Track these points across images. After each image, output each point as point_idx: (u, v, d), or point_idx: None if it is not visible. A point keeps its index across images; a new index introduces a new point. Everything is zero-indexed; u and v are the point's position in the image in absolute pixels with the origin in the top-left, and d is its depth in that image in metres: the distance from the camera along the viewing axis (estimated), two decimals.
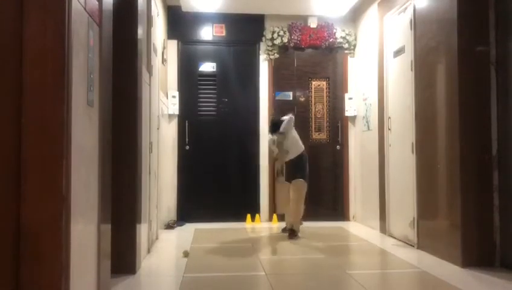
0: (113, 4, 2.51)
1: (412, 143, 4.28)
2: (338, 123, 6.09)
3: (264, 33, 5.94)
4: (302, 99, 6.07)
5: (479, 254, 3.47)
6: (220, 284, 3.14)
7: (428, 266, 3.53)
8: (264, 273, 3.39)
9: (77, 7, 1.80)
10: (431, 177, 3.95)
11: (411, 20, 4.33)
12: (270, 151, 5.42)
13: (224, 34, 5.96)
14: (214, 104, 5.98)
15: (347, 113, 6.02)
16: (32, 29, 1.65)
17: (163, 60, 5.23)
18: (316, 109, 6.10)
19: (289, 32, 5.93)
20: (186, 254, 3.90)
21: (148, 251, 3.97)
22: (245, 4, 5.65)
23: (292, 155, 4.80)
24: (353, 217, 5.99)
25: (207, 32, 5.95)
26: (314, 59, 6.10)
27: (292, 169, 4.80)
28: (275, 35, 5.89)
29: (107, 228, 2.40)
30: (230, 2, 5.54)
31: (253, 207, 5.84)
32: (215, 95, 5.97)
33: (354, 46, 6.05)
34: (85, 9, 1.91)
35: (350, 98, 6.01)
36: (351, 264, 3.89)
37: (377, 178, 5.11)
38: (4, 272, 1.57)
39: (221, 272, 3.44)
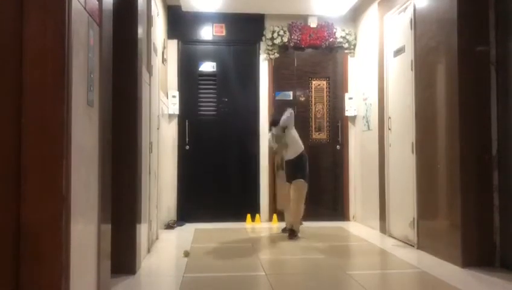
0: (113, 4, 2.51)
1: (412, 143, 4.28)
2: (338, 123, 6.09)
3: (264, 33, 5.94)
4: (302, 99, 6.07)
5: (479, 254, 3.47)
6: (220, 284, 3.15)
7: (428, 266, 3.53)
8: (264, 273, 3.39)
9: (77, 7, 1.79)
10: (431, 177, 3.95)
11: (411, 19, 4.33)
12: (271, 149, 5.43)
13: (224, 33, 5.96)
14: (214, 104, 5.97)
15: (347, 113, 6.02)
16: (32, 29, 1.65)
17: (163, 60, 5.23)
18: (316, 109, 6.10)
19: (289, 31, 5.93)
20: (186, 254, 3.90)
21: (148, 251, 3.97)
22: (245, 4, 5.65)
23: (292, 155, 4.79)
24: (353, 217, 5.99)
25: (207, 32, 5.95)
26: (314, 59, 6.10)
27: (292, 169, 4.80)
28: (275, 34, 5.89)
29: (107, 228, 2.40)
30: (230, 2, 5.54)
31: (253, 207, 5.84)
32: (215, 95, 5.97)
33: (354, 45, 6.05)
34: (85, 9, 1.91)
35: (350, 98, 6.01)
36: (351, 265, 3.89)
37: (377, 178, 5.11)
38: (4, 272, 1.57)
39: (221, 272, 3.44)
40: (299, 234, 4.78)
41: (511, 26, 3.42)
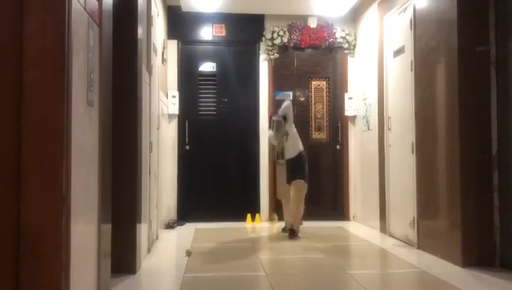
0: (113, 4, 2.51)
1: (412, 143, 4.28)
2: (338, 123, 6.09)
3: (264, 33, 5.94)
4: (302, 99, 6.08)
5: (479, 254, 3.47)
6: (220, 284, 3.15)
7: (428, 266, 3.53)
8: (264, 273, 3.39)
9: (77, 7, 1.80)
10: (431, 177, 3.95)
11: (411, 20, 4.33)
12: (271, 147, 5.43)
13: (224, 34, 5.96)
14: (214, 104, 5.98)
15: (347, 113, 6.02)
16: (32, 29, 1.65)
17: (163, 60, 5.23)
18: (316, 109, 6.10)
19: (289, 32, 5.93)
20: (188, 253, 3.90)
21: (148, 251, 3.97)
22: (245, 4, 5.65)
23: (291, 153, 4.78)
24: (353, 217, 5.99)
25: (207, 32, 5.95)
26: (314, 59, 6.10)
27: (292, 169, 4.79)
28: (275, 35, 5.89)
29: (107, 228, 2.40)
30: (230, 2, 5.54)
31: (253, 207, 5.84)
32: (215, 95, 5.97)
33: (354, 46, 6.05)
34: (85, 9, 1.91)
35: (350, 98, 6.01)
36: (351, 264, 3.89)
37: (377, 178, 5.11)
38: (4, 272, 1.57)
39: (221, 272, 3.43)
40: (299, 234, 4.78)
41: (511, 26, 3.42)
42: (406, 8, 4.48)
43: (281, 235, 4.91)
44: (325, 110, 6.12)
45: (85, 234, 1.98)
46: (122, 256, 3.13)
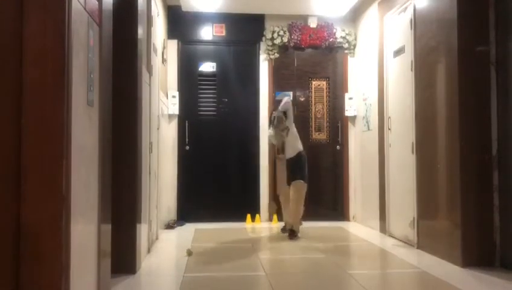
0: (113, 4, 2.51)
1: (412, 143, 4.28)
2: (338, 123, 6.09)
3: (264, 33, 5.94)
4: (302, 99, 6.08)
5: (479, 254, 3.47)
6: (220, 284, 3.15)
7: (428, 266, 3.53)
8: (264, 273, 3.39)
9: (77, 7, 1.79)
10: (431, 177, 3.95)
11: (411, 20, 4.33)
12: (271, 145, 5.43)
13: (224, 34, 5.96)
14: (214, 104, 5.98)
15: (347, 113, 6.02)
16: (32, 29, 1.65)
17: (163, 60, 5.23)
18: (316, 109, 6.10)
19: (289, 32, 5.93)
20: (189, 253, 3.90)
21: (148, 251, 3.97)
22: (245, 4, 5.65)
23: (291, 153, 4.78)
24: (353, 217, 5.99)
25: (207, 32, 5.95)
26: (314, 59, 6.10)
27: (291, 170, 4.79)
28: (275, 35, 5.90)
29: (107, 228, 2.40)
30: (230, 2, 5.54)
31: (253, 207, 5.84)
32: (215, 95, 5.97)
33: (354, 46, 6.05)
34: (85, 9, 1.91)
35: (350, 98, 6.01)
36: (351, 264, 3.89)
37: (377, 178, 5.11)
38: (4, 272, 1.57)
39: (221, 272, 3.43)
40: (299, 234, 4.78)
41: (511, 26, 3.42)
42: (406, 8, 4.48)
43: (281, 236, 4.91)
44: (325, 110, 6.12)
45: (85, 234, 1.98)
46: (122, 256, 3.13)
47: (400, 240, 4.51)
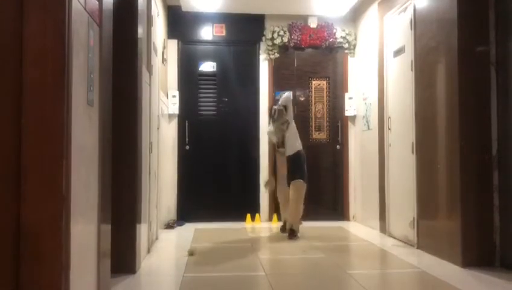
0: (113, 4, 2.51)
1: (412, 143, 4.28)
2: (338, 123, 6.09)
3: (264, 33, 5.94)
4: (302, 99, 6.08)
5: (479, 254, 3.47)
6: (220, 284, 3.15)
7: (428, 266, 3.54)
8: (264, 273, 3.39)
9: (77, 7, 1.79)
10: (431, 177, 3.95)
11: (411, 20, 4.33)
12: (271, 143, 5.43)
13: (224, 33, 5.96)
14: (214, 104, 5.98)
15: (347, 113, 6.02)
16: (32, 29, 1.65)
17: (163, 60, 5.23)
18: (316, 109, 6.10)
19: (289, 32, 5.93)
20: (191, 253, 3.89)
21: (148, 251, 3.97)
22: (245, 4, 5.65)
23: (290, 150, 4.77)
24: (353, 217, 5.99)
25: (207, 32, 5.95)
26: (314, 59, 6.10)
27: (291, 169, 4.79)
28: (275, 35, 5.90)
29: (107, 228, 2.39)
30: (230, 2, 5.54)
31: (253, 207, 5.84)
32: (215, 95, 5.97)
33: (354, 46, 6.05)
34: (85, 9, 1.91)
35: (350, 98, 6.01)
36: (351, 264, 3.89)
37: (377, 178, 5.11)
38: (4, 272, 1.57)
39: (221, 272, 3.44)
40: (299, 234, 4.78)
41: (511, 26, 3.42)
42: (406, 8, 4.48)
43: (281, 236, 4.91)
44: (325, 110, 6.12)
45: (85, 234, 1.98)
46: (122, 256, 3.13)
47: (400, 240, 4.51)
